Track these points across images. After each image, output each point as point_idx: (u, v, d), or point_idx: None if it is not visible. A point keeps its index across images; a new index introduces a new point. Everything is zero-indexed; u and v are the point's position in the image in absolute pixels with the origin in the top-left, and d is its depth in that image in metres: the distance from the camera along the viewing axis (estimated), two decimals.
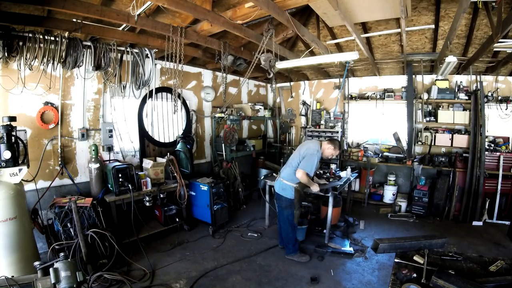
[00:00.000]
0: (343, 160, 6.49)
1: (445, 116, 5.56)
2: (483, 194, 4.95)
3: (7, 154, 2.67)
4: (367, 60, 5.32)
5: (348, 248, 3.93)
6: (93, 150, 3.84)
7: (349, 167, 4.85)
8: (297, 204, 3.60)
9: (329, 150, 3.69)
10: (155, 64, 4.65)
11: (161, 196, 4.17)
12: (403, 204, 5.63)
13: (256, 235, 4.46)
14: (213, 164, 5.93)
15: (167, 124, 5.28)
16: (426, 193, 5.36)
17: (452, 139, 5.47)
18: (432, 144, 5.70)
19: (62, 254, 1.59)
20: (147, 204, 3.99)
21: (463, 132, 5.48)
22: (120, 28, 3.65)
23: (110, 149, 4.32)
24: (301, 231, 4.25)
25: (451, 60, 3.73)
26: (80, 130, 4.03)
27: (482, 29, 4.23)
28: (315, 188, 3.72)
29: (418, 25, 4.31)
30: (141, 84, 4.40)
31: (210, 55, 4.82)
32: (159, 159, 4.57)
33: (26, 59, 3.25)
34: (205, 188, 4.55)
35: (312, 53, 4.77)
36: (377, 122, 6.45)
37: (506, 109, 5.21)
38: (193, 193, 4.73)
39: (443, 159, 5.45)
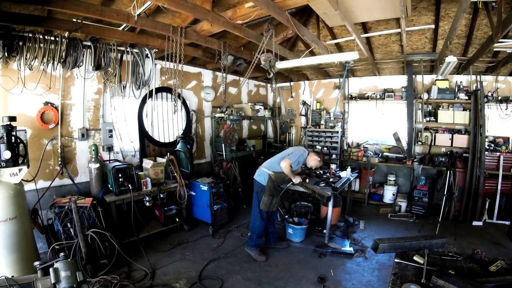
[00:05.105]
0: (343, 160, 6.49)
1: (445, 116, 5.57)
2: (483, 194, 4.95)
3: (7, 154, 2.67)
4: (367, 60, 5.32)
5: (348, 248, 3.93)
6: (93, 150, 3.84)
7: (349, 167, 4.84)
8: (267, 190, 3.68)
9: (315, 161, 3.97)
10: (155, 64, 4.65)
11: (161, 196, 4.17)
12: (403, 204, 5.63)
13: None
14: (213, 164, 5.93)
15: (167, 124, 5.28)
16: (426, 193, 5.36)
17: (452, 139, 5.47)
18: (432, 144, 5.70)
19: (62, 254, 1.59)
20: (147, 204, 3.99)
21: (463, 132, 5.48)
22: (120, 28, 3.65)
23: (110, 149, 4.32)
24: (300, 231, 4.26)
25: (451, 60, 3.73)
26: (80, 130, 4.03)
27: (482, 29, 4.23)
28: (296, 180, 3.80)
29: (418, 25, 4.30)
30: (141, 84, 4.40)
31: (210, 55, 4.82)
32: (159, 159, 4.57)
33: (26, 59, 3.25)
34: (205, 188, 4.55)
35: (312, 53, 4.77)
36: (377, 122, 6.44)
37: (506, 109, 5.21)
38: (193, 193, 4.73)
39: (443, 159, 5.44)
